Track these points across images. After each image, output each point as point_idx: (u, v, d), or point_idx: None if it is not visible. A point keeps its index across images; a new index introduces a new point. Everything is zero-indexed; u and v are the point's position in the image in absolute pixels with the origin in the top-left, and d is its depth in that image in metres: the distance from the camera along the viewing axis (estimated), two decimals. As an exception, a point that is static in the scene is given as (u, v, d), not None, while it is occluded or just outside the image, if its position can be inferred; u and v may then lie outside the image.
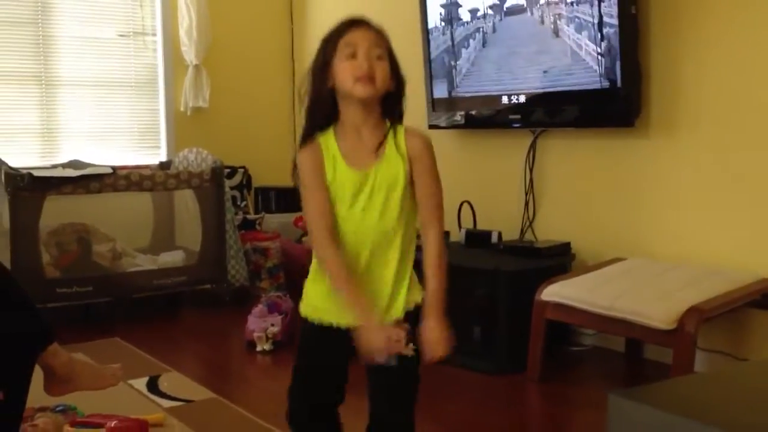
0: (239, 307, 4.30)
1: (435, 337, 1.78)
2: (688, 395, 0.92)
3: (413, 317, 1.83)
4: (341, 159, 1.78)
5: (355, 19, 1.81)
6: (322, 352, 1.90)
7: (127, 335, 3.94)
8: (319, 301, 1.87)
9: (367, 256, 1.80)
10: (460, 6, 4.13)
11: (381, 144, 1.79)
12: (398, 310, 1.83)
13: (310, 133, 1.83)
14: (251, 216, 5.15)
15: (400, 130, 1.81)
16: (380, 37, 1.79)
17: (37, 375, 2.24)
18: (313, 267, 1.90)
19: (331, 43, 1.79)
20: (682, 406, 0.87)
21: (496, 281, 3.44)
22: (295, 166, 1.87)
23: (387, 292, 1.82)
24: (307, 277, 1.94)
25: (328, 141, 1.80)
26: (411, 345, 1.75)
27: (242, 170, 5.34)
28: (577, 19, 3.55)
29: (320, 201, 1.81)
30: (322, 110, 1.81)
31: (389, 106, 1.82)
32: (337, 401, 1.94)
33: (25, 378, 2.16)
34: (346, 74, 1.74)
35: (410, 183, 1.81)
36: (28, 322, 2.19)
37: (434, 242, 1.84)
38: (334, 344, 1.84)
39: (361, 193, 1.78)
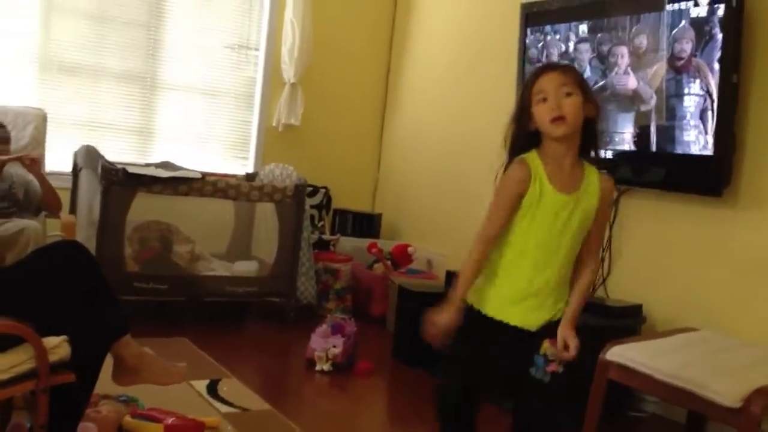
0: (303, 325, 4.37)
1: (571, 342, 2.09)
2: None
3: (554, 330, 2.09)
4: (547, 180, 2.04)
5: (543, 66, 2.11)
6: (492, 346, 2.17)
7: (195, 337, 4.05)
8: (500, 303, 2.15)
9: (556, 268, 2.09)
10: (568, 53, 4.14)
11: (582, 177, 2.06)
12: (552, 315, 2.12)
13: (515, 154, 2.11)
14: (327, 236, 5.23)
15: (592, 169, 2.09)
16: (566, 75, 2.02)
17: (107, 363, 2.33)
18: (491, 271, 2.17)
19: (526, 91, 2.06)
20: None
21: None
22: (504, 171, 2.13)
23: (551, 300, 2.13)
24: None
25: (534, 162, 2.06)
26: (560, 362, 2.05)
27: (324, 190, 5.43)
28: (679, 85, 3.53)
29: (503, 216, 2.10)
30: (523, 148, 2.09)
31: (589, 135, 2.09)
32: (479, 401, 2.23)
33: (97, 364, 2.25)
34: (542, 117, 2.02)
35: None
36: (109, 311, 2.28)
37: (593, 269, 2.16)
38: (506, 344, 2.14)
39: (563, 214, 2.05)
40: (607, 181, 2.09)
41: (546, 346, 2.09)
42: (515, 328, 2.11)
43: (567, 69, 2.07)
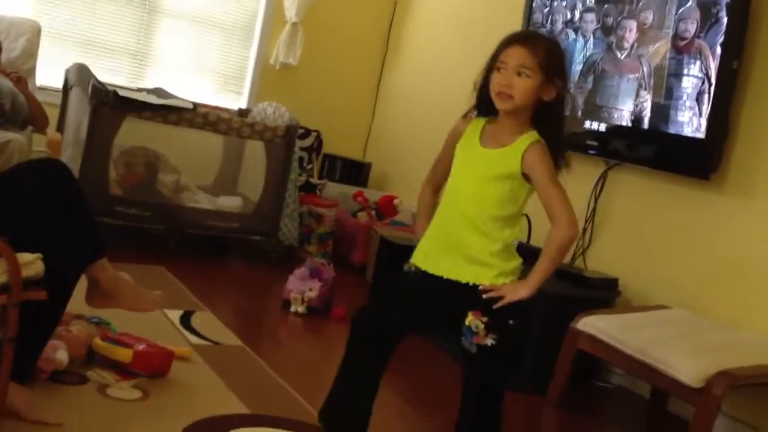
0: (283, 266, 4.38)
1: (511, 287, 2.10)
2: None
3: (487, 303, 2.05)
4: (478, 138, 2.12)
5: (516, 36, 2.10)
6: (414, 290, 2.16)
7: (173, 267, 4.05)
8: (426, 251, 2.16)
9: (459, 213, 2.09)
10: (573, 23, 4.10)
11: (513, 141, 2.06)
12: (465, 276, 2.08)
13: (469, 111, 2.19)
14: (314, 180, 5.22)
15: (529, 137, 2.06)
16: (532, 55, 2.02)
17: (81, 285, 2.33)
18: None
19: (494, 55, 2.09)
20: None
21: (536, 300, 3.43)
22: None
23: (463, 254, 2.09)
24: None
25: (478, 123, 2.15)
26: (491, 335, 2.03)
27: (315, 134, 5.40)
28: (680, 65, 3.51)
29: (440, 164, 2.28)
30: (484, 105, 2.13)
31: (546, 118, 2.08)
32: (400, 335, 2.21)
33: (70, 283, 2.25)
34: (493, 86, 2.05)
35: (521, 181, 2.07)
36: (85, 232, 2.28)
37: (555, 233, 2.11)
38: (428, 290, 2.13)
39: (476, 163, 2.10)
40: (533, 149, 2.04)
41: (470, 318, 2.06)
42: (434, 276, 2.11)
43: (537, 48, 2.03)
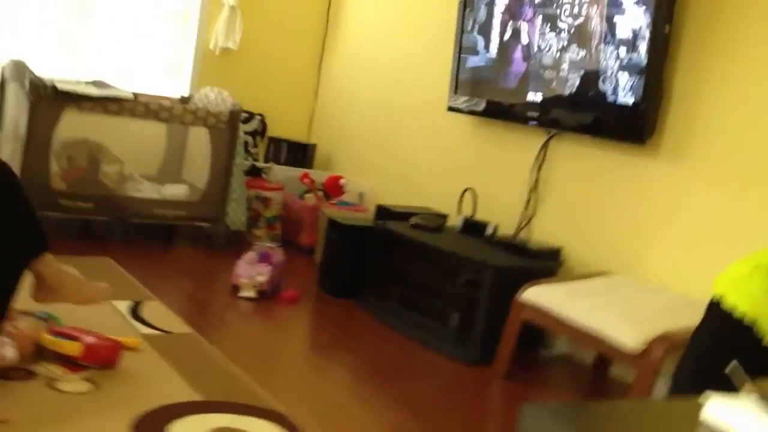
0: (231, 251, 4.39)
1: None
2: (602, 421, 0.97)
3: None
4: None
5: None
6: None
7: (120, 257, 4.04)
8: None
9: None
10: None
11: None
12: None
13: None
14: (260, 164, 5.22)
15: None
16: None
17: (27, 280, 2.33)
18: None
19: None
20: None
21: (481, 272, 3.52)
22: None
23: None
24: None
25: None
26: None
27: (259, 118, 5.40)
28: (611, 30, 3.59)
29: None
30: None
31: None
32: None
33: (14, 280, 2.25)
34: None
35: None
36: (27, 227, 2.27)
37: None
38: None
39: None
40: None
41: None
42: None
43: None
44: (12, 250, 2.21)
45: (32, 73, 4.03)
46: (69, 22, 4.95)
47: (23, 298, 2.37)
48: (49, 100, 3.99)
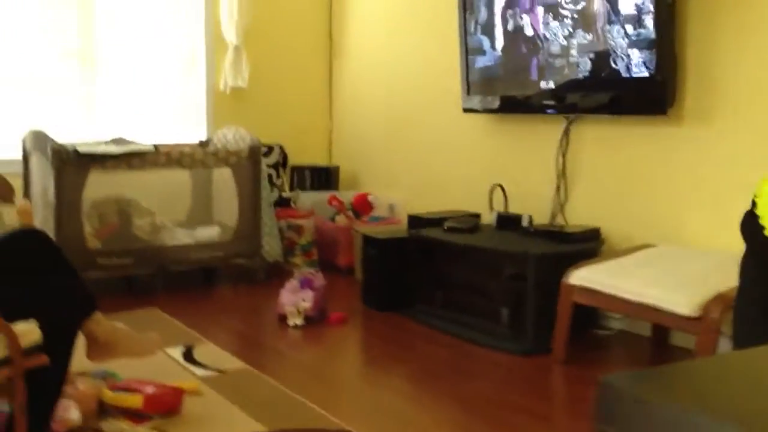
0: (273, 283, 4.41)
1: None
2: (683, 381, 0.96)
3: None
4: None
5: None
6: None
7: (166, 306, 4.07)
8: None
9: None
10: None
11: None
12: None
13: None
14: (286, 194, 5.25)
15: None
16: None
17: (80, 342, 2.36)
18: None
19: None
20: (672, 392, 0.91)
21: (525, 264, 3.50)
22: None
23: None
24: None
25: None
26: None
27: (279, 149, 5.43)
28: (614, 9, 3.57)
29: None
30: None
31: None
32: None
33: (69, 343, 2.27)
34: None
35: None
36: (74, 290, 2.30)
37: None
38: None
39: None
40: None
41: None
42: None
43: None
44: (63, 314, 2.23)
45: (53, 141, 4.09)
46: (81, 85, 5.03)
47: (78, 359, 2.39)
48: (73, 165, 4.05)
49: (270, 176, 5.19)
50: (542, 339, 3.42)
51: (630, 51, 3.52)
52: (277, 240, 4.81)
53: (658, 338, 3.61)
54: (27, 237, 2.31)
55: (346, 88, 5.77)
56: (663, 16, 3.39)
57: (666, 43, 3.42)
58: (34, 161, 4.31)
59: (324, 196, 5.25)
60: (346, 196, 5.23)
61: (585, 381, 3.14)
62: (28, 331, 2.02)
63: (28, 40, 4.82)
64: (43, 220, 4.05)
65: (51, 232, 3.96)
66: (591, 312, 3.69)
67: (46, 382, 2.18)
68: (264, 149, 4.99)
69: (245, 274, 4.73)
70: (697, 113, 3.47)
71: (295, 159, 5.56)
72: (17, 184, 4.22)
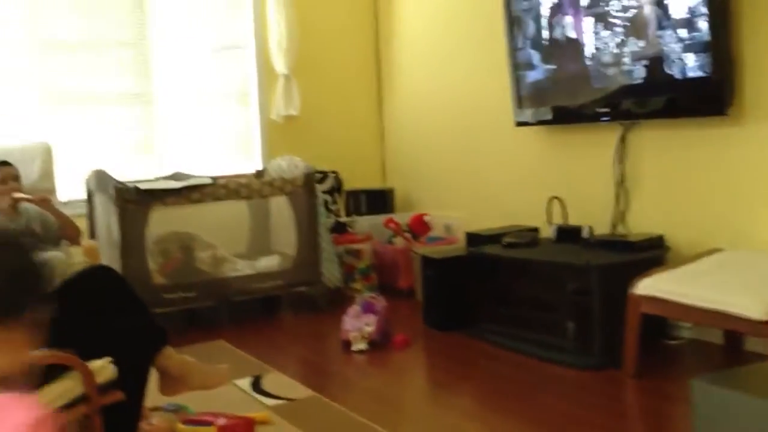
0: (335, 309, 4.43)
1: None
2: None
3: None
4: None
5: None
6: None
7: (230, 338, 4.12)
8: None
9: None
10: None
11: None
12: None
13: None
14: (343, 219, 5.28)
15: None
16: None
17: (152, 377, 2.39)
18: None
19: None
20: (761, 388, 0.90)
21: (588, 276, 3.45)
22: None
23: None
24: None
25: None
26: None
27: (333, 175, 5.47)
28: (665, 14, 3.52)
29: None
30: None
31: None
32: None
33: (142, 378, 2.31)
34: None
35: None
36: (145, 326, 2.35)
37: None
38: None
39: None
40: None
41: None
42: None
43: None
44: (136, 349, 2.28)
45: (114, 180, 4.19)
46: (139, 123, 5.14)
47: (152, 394, 2.43)
48: (135, 203, 4.14)
49: (326, 202, 5.22)
50: (610, 352, 3.36)
51: (684, 55, 3.47)
52: (336, 266, 4.83)
53: (731, 345, 3.52)
54: (98, 275, 2.36)
55: (396, 109, 5.80)
56: (717, 18, 3.33)
57: (721, 44, 3.36)
58: (98, 201, 4.41)
59: (380, 219, 5.26)
60: (403, 217, 5.23)
61: (659, 394, 3.07)
62: (103, 368, 2.06)
63: (89, 85, 4.96)
64: (109, 258, 4.13)
65: (117, 270, 4.04)
66: (660, 322, 3.62)
67: (121, 418, 2.22)
68: (318, 176, 5.03)
69: (307, 301, 4.76)
70: (759, 111, 3.39)
71: (349, 183, 5.60)
72: (82, 224, 4.33)
